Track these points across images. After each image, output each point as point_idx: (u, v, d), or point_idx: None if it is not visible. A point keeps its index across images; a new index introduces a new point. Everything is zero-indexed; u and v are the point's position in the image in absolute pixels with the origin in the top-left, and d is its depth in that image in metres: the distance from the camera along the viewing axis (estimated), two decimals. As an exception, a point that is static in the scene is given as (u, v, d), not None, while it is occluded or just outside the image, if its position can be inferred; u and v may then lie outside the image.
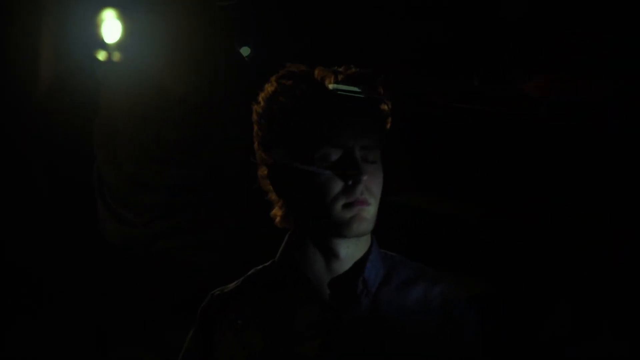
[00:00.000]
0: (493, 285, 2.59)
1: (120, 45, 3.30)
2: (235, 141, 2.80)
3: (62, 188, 3.22)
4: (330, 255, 1.71)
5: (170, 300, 2.82)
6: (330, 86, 1.69)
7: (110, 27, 3.31)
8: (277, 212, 1.77)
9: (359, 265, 1.72)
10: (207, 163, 3.03)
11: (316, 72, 1.71)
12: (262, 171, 1.76)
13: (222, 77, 3.12)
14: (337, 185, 1.65)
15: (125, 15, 3.29)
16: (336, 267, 1.72)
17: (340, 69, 1.71)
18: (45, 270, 3.15)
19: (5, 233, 3.13)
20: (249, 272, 1.81)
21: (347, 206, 1.65)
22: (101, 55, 3.29)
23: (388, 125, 1.75)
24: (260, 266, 1.81)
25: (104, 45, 3.28)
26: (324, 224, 1.68)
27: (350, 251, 1.71)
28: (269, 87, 1.71)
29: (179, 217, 2.94)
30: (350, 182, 1.64)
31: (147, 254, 2.94)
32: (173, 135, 3.06)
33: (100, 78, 3.27)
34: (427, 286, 1.74)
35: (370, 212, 1.67)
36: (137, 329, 2.87)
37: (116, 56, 3.30)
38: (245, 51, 1.68)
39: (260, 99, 1.72)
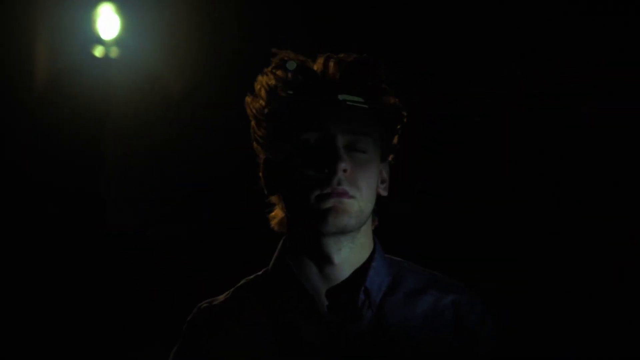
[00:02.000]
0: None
1: (118, 41, 3.19)
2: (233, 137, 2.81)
3: (58, 186, 3.16)
4: (323, 260, 1.53)
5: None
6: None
7: (108, 22, 3.20)
8: (276, 213, 1.63)
9: (360, 273, 1.54)
10: (198, 159, 3.02)
11: (314, 60, 1.57)
12: (261, 169, 1.62)
13: (221, 73, 3.03)
14: (313, 174, 1.48)
15: (123, 10, 3.18)
16: (332, 275, 1.54)
17: (340, 56, 1.56)
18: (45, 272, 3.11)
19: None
20: (240, 283, 1.64)
21: (322, 197, 1.48)
22: (98, 52, 3.17)
23: (397, 119, 1.59)
24: (252, 275, 1.64)
25: (101, 41, 3.17)
26: (303, 220, 1.52)
27: (344, 255, 1.53)
28: (267, 80, 1.57)
29: (167, 208, 3.15)
30: (326, 171, 1.47)
31: (139, 240, 3.16)
32: (167, 132, 3.04)
33: (100, 76, 3.19)
34: (438, 295, 1.56)
35: (353, 206, 1.48)
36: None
37: (114, 52, 3.18)
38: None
39: (257, 92, 1.58)
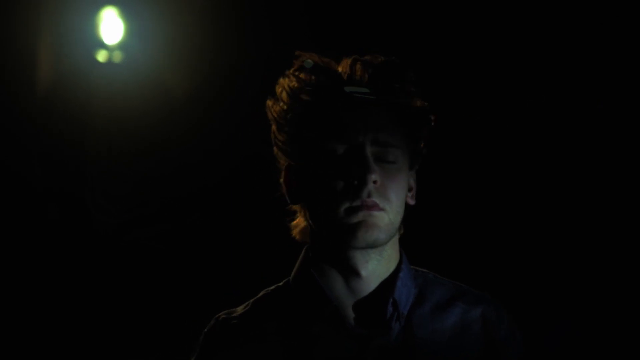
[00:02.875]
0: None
1: (121, 45, 3.15)
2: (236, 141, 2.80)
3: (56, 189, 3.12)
4: (350, 272, 1.48)
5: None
6: (349, 88, 1.48)
7: (112, 26, 3.16)
8: (298, 221, 1.57)
9: (387, 284, 1.50)
10: (201, 163, 3.07)
11: (340, 63, 1.51)
12: (282, 176, 1.57)
13: (225, 77, 3.00)
14: (341, 186, 1.43)
15: (126, 14, 3.15)
16: (359, 287, 1.49)
17: (366, 58, 1.50)
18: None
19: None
20: (260, 294, 1.59)
21: (351, 210, 1.42)
22: (101, 56, 3.13)
23: (425, 125, 1.53)
24: (273, 286, 1.59)
25: (104, 46, 3.14)
26: (329, 232, 1.46)
27: (372, 268, 1.48)
28: (289, 83, 1.51)
29: (170, 213, 3.12)
30: (355, 182, 1.42)
31: (123, 242, 3.14)
32: (170, 136, 3.02)
33: (98, 78, 3.15)
34: (466, 308, 1.52)
35: (383, 219, 1.43)
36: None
37: (117, 56, 3.15)
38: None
39: (278, 95, 1.52)
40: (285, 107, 1.50)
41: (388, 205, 1.44)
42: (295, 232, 1.57)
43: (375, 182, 1.43)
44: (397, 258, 1.54)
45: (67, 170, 3.16)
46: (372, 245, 1.45)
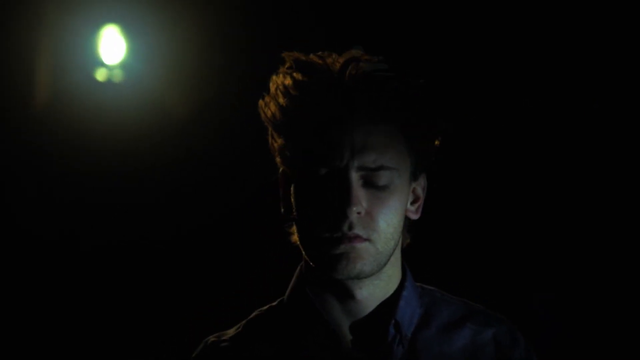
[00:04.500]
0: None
1: (122, 65, 3.07)
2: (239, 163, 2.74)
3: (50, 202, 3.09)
4: (344, 295, 1.35)
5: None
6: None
7: (113, 44, 3.08)
8: (295, 229, 1.41)
9: (389, 305, 1.36)
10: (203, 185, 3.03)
11: (330, 60, 1.34)
12: (280, 179, 1.42)
13: (229, 98, 2.91)
14: (321, 215, 1.28)
15: (128, 32, 3.07)
16: (355, 310, 1.36)
17: (364, 59, 1.33)
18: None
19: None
20: (252, 315, 1.47)
21: (332, 241, 1.28)
22: (100, 75, 3.05)
23: (432, 132, 1.37)
24: (266, 306, 1.47)
25: (104, 64, 3.05)
26: (312, 259, 1.33)
27: (369, 291, 1.35)
28: (283, 80, 1.34)
29: (171, 234, 3.07)
30: (336, 213, 1.27)
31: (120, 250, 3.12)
32: (171, 159, 2.93)
33: (102, 100, 3.07)
34: (476, 329, 1.38)
35: (368, 250, 1.29)
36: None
37: (118, 76, 3.06)
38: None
39: (273, 94, 1.35)
40: (280, 107, 1.34)
41: (375, 235, 1.29)
42: (294, 239, 1.41)
43: (359, 212, 1.28)
44: (399, 276, 1.40)
45: (62, 191, 3.08)
46: (357, 278, 1.31)
